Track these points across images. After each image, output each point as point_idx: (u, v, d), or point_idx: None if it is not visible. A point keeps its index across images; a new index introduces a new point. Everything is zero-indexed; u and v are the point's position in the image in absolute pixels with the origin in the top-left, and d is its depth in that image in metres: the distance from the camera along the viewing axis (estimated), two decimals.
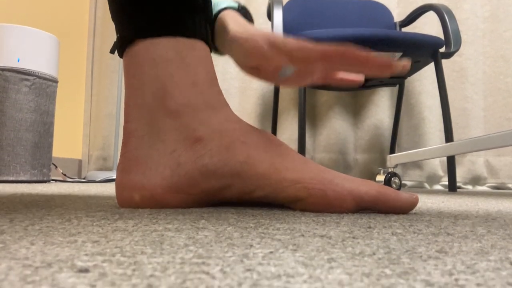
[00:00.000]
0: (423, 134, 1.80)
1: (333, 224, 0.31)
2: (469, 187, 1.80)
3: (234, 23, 0.54)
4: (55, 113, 1.38)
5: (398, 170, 1.80)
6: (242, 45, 0.51)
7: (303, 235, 0.25)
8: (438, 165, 1.79)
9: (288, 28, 1.68)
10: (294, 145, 1.86)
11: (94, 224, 0.29)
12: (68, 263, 0.16)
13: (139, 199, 0.42)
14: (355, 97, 1.88)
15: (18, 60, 1.25)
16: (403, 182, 1.80)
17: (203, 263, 0.17)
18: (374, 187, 0.41)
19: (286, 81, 0.53)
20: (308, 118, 1.89)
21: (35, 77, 1.28)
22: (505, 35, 1.82)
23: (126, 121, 0.44)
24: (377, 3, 1.79)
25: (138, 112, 0.44)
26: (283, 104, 1.90)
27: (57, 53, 1.38)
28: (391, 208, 0.41)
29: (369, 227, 0.29)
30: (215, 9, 0.57)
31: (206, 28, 0.46)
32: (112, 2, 0.46)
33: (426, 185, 1.81)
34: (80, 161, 2.08)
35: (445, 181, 1.80)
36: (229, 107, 0.46)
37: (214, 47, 0.59)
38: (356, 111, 1.88)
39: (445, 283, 0.14)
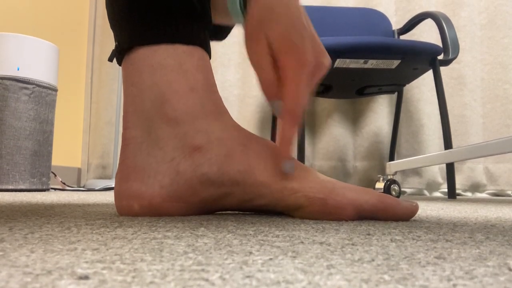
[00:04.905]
0: (422, 141, 1.80)
1: (333, 231, 0.31)
2: (469, 194, 1.80)
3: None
4: (54, 122, 1.38)
5: (397, 177, 1.79)
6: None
7: (302, 242, 0.25)
8: (437, 172, 1.79)
9: None
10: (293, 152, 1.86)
11: (94, 232, 0.29)
12: (68, 270, 0.16)
13: (138, 208, 0.42)
14: (354, 105, 1.89)
15: (18, 69, 1.25)
16: (402, 189, 1.80)
17: (203, 270, 0.17)
18: (375, 195, 0.41)
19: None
20: (307, 125, 1.90)
21: (34, 86, 1.28)
22: (502, 42, 1.83)
23: (124, 128, 0.44)
24: (376, 11, 1.80)
25: (136, 119, 0.44)
26: None
27: (57, 62, 1.39)
28: (391, 216, 0.41)
29: (368, 234, 0.30)
30: None
31: (204, 35, 0.46)
32: (110, 10, 0.46)
33: (426, 192, 1.80)
34: (79, 170, 2.08)
35: (444, 188, 1.80)
36: (229, 114, 0.46)
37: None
38: (355, 118, 1.88)
39: None
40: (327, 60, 0.45)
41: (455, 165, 1.74)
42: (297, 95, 0.41)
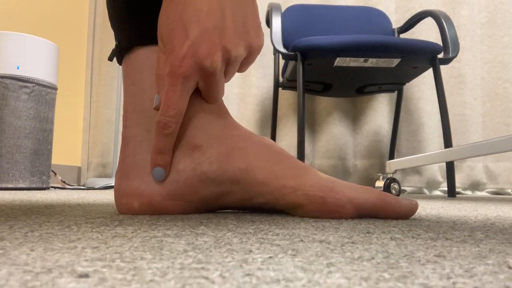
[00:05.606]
0: (422, 140, 1.80)
1: (332, 229, 0.31)
2: (468, 192, 1.80)
3: None
4: (54, 120, 1.38)
5: (397, 176, 1.80)
6: None
7: (302, 240, 0.25)
8: (437, 171, 1.79)
9: (286, 35, 1.68)
10: (293, 151, 1.86)
11: (94, 230, 0.29)
12: (68, 268, 0.16)
13: (138, 206, 0.42)
14: (354, 103, 1.89)
15: (18, 68, 1.25)
16: (402, 187, 1.80)
17: (203, 268, 0.17)
18: (374, 194, 0.41)
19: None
20: (307, 124, 1.90)
21: (34, 84, 1.28)
22: (503, 41, 1.83)
23: (124, 126, 0.45)
24: (376, 9, 1.80)
25: (137, 117, 0.44)
26: (282, 110, 1.90)
27: (57, 60, 1.39)
28: (391, 214, 0.41)
29: (368, 232, 0.30)
30: None
31: None
32: (111, 10, 0.46)
33: (426, 190, 1.81)
34: (79, 168, 2.08)
35: (444, 186, 1.80)
36: (229, 113, 0.46)
37: None
38: (355, 117, 1.88)
39: (443, 287, 0.14)
40: (244, 48, 0.41)
41: (455, 163, 1.74)
42: (165, 105, 0.40)
